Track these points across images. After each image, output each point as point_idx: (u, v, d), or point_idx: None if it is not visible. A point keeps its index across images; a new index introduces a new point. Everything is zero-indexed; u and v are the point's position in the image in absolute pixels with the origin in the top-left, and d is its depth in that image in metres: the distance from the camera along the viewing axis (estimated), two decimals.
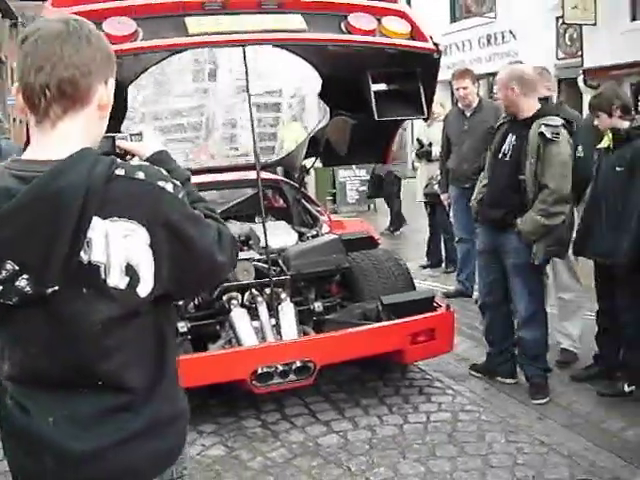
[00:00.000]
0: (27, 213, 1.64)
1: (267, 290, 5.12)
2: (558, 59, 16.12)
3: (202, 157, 6.48)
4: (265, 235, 4.97)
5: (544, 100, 5.51)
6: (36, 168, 1.69)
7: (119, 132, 2.12)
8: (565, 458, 4.32)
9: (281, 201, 6.59)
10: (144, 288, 1.73)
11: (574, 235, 5.36)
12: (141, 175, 1.73)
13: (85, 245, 1.66)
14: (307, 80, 6.06)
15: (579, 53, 15.42)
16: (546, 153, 4.90)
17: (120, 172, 1.70)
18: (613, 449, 4.44)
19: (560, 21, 15.48)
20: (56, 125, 1.74)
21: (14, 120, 35.93)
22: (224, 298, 5.09)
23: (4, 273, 1.64)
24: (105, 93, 1.81)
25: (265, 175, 6.33)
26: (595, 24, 14.83)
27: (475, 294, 7.77)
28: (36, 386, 1.80)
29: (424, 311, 5.10)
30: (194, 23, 4.55)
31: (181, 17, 4.58)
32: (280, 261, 5.35)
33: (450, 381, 5.61)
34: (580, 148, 5.55)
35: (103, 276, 1.69)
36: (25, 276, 1.65)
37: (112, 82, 1.85)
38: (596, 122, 5.20)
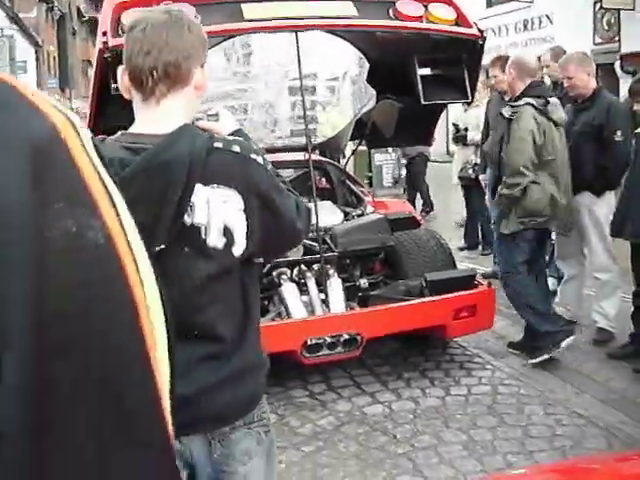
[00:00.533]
0: (140, 181, 1.86)
1: (315, 266, 5.33)
2: (595, 44, 16.07)
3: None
4: (316, 214, 5.17)
5: (539, 82, 5.73)
6: (144, 141, 1.93)
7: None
8: (602, 430, 4.48)
9: (326, 182, 6.79)
10: (238, 249, 1.96)
11: (611, 217, 5.53)
12: (237, 148, 1.97)
13: (189, 209, 1.89)
14: (355, 64, 6.23)
15: (616, 38, 15.38)
16: (508, 130, 5.40)
17: (218, 145, 1.94)
18: None
19: (598, 6, 15.43)
20: (160, 102, 1.98)
21: None
22: (274, 274, 5.31)
23: None
24: (201, 75, 2.04)
25: (313, 156, 6.54)
26: (633, 9, 14.78)
27: None
28: None
29: (466, 288, 5.28)
30: (249, 9, 4.75)
31: (237, 3, 4.79)
32: (328, 239, 5.56)
33: (489, 357, 5.79)
34: (619, 133, 5.68)
35: (203, 236, 1.92)
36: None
37: (206, 66, 2.08)
38: (636, 107, 5.32)
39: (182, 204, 1.88)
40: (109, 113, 4.54)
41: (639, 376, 5.30)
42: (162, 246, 1.88)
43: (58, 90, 42.26)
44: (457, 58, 5.32)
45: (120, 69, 2.02)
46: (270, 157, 6.22)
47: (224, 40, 5.35)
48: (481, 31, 5.05)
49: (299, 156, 5.99)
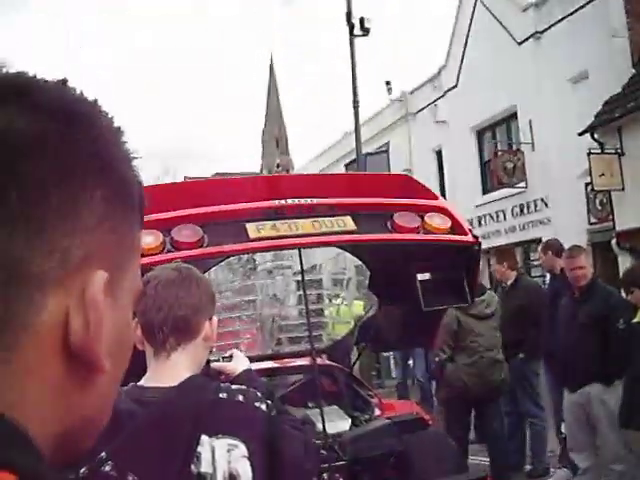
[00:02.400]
0: (146, 434, 1.96)
1: (325, 475, 5.27)
2: (590, 224, 16.47)
3: (255, 347, 6.83)
4: (323, 422, 5.18)
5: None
6: (153, 394, 2.04)
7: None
8: None
9: (332, 386, 6.82)
10: None
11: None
12: (241, 398, 2.07)
13: (195, 459, 1.96)
14: (356, 272, 6.44)
15: (610, 217, 15.80)
16: None
17: (223, 395, 2.05)
18: None
19: (589, 188, 15.97)
20: (170, 355, 2.13)
21: None
22: None
23: None
24: (210, 328, 2.19)
25: (319, 361, 6.62)
26: (623, 189, 15.27)
27: (527, 467, 7.83)
28: None
29: None
30: (254, 228, 4.98)
31: (242, 222, 5.02)
32: (336, 446, 5.52)
33: None
34: (622, 320, 5.80)
35: None
36: None
37: (215, 319, 2.23)
38: (629, 297, 5.47)
39: (188, 455, 1.95)
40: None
41: None
42: None
43: None
44: (455, 264, 5.51)
45: (134, 322, 2.16)
46: (276, 363, 6.30)
47: (228, 257, 5.57)
48: (476, 237, 5.25)
49: (306, 361, 6.07)
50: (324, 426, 5.25)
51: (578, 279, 6.12)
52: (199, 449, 1.97)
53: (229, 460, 1.99)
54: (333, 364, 6.94)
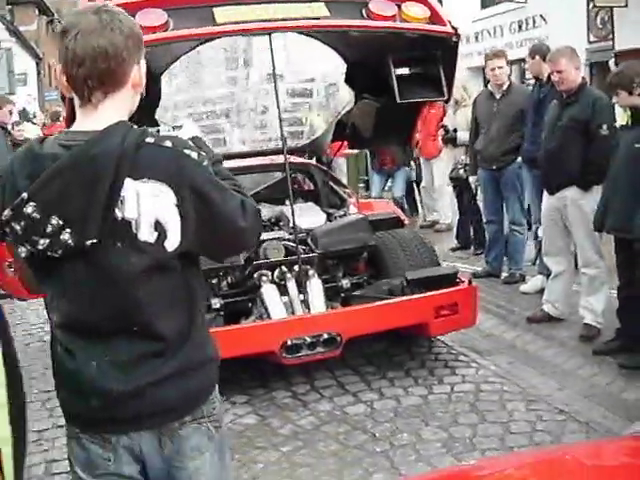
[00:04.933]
0: (69, 175, 1.89)
1: (296, 267, 5.34)
2: (589, 42, 16.03)
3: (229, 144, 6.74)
4: (293, 215, 5.18)
5: None
6: (79, 137, 1.95)
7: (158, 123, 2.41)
8: (582, 425, 4.48)
9: (310, 184, 6.80)
10: (171, 243, 1.96)
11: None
12: (168, 143, 1.98)
13: (119, 203, 1.90)
14: (333, 66, 6.23)
15: (610, 36, 15.34)
16: None
17: (150, 140, 1.96)
18: (631, 417, 4.56)
19: (591, 4, 15.40)
20: (98, 107, 2.01)
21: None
22: (255, 276, 5.32)
23: (50, 228, 1.89)
24: (138, 73, 2.06)
25: (294, 159, 6.55)
26: (626, 5, 14.73)
27: (504, 274, 7.95)
28: (81, 333, 2.04)
29: (447, 286, 5.28)
30: (221, 13, 4.77)
31: (209, 7, 4.80)
32: (309, 240, 5.57)
33: (475, 355, 5.78)
34: (605, 127, 5.69)
35: (135, 231, 1.93)
36: (68, 230, 1.91)
37: (143, 62, 2.09)
38: (615, 100, 5.32)
39: (111, 198, 1.89)
40: None
41: (624, 371, 5.28)
42: (94, 240, 1.91)
43: (60, 101, 42.33)
44: (433, 57, 5.33)
45: (58, 69, 2.03)
46: (252, 161, 6.26)
47: (198, 45, 5.37)
48: (455, 28, 5.05)
49: (281, 159, 5.99)
50: (294, 220, 5.26)
51: (557, 83, 5.95)
52: (123, 193, 1.91)
53: (155, 206, 1.93)
54: (310, 162, 6.89)
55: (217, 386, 2.23)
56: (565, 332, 6.14)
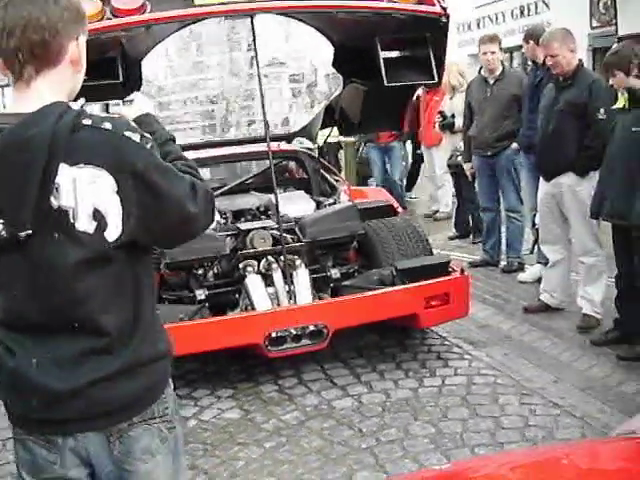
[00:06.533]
0: None
1: (282, 257, 5.18)
2: (592, 28, 15.81)
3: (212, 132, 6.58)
4: (277, 204, 5.03)
5: None
6: (11, 120, 1.78)
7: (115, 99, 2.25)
8: (578, 420, 4.32)
9: (301, 171, 6.63)
10: (112, 233, 1.81)
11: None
12: (108, 125, 1.81)
13: (54, 190, 1.74)
14: (320, 49, 6.06)
15: (613, 21, 15.11)
16: None
17: (87, 122, 1.79)
18: (628, 411, 4.41)
19: None
20: (30, 84, 1.84)
21: None
22: (241, 266, 5.17)
23: None
24: (77, 50, 1.89)
25: (284, 146, 6.39)
26: None
27: (502, 263, 7.80)
28: (20, 329, 1.90)
29: (438, 276, 5.11)
30: None
31: None
32: (296, 229, 5.41)
33: (469, 347, 5.62)
34: (602, 111, 5.50)
35: (72, 220, 1.77)
36: (0, 221, 1.75)
37: (83, 38, 1.92)
38: (611, 81, 5.14)
39: (45, 185, 1.74)
40: None
41: (622, 363, 5.12)
42: (29, 231, 1.76)
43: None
44: (422, 38, 5.16)
45: None
46: (239, 149, 6.12)
47: (179, 29, 5.20)
48: (444, 8, 4.87)
49: (271, 146, 5.83)
50: (277, 208, 5.10)
51: (552, 67, 5.78)
52: (58, 180, 1.75)
53: (93, 193, 1.77)
54: (299, 149, 6.71)
55: (172, 384, 2.09)
56: (563, 323, 5.98)
